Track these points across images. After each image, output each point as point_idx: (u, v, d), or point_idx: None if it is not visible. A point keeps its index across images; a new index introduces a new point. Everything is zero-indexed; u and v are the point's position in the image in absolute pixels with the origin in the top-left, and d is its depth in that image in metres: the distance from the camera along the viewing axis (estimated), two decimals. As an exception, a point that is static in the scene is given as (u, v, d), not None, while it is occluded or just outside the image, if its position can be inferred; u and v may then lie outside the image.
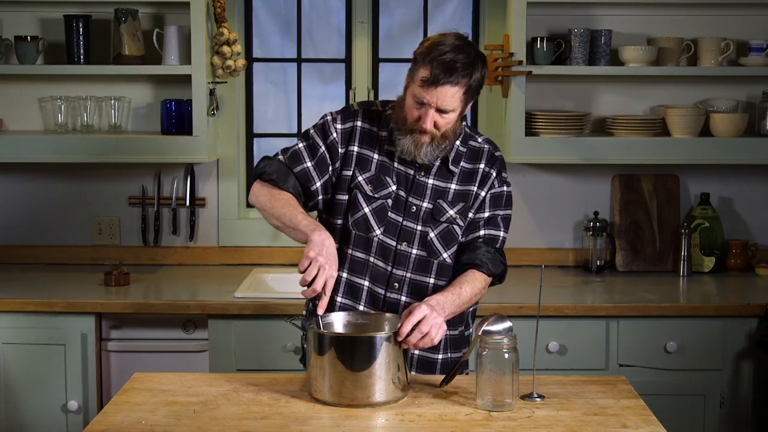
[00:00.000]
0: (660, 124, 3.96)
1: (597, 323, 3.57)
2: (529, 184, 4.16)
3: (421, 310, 2.39)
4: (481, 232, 2.66)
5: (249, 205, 4.12)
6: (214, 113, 3.96)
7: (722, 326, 3.57)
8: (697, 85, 4.08)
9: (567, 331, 3.56)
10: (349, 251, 2.63)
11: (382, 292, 2.64)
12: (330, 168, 2.64)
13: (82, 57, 3.89)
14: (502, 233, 2.69)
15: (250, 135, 4.23)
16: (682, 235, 4.00)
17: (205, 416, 2.28)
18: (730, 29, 4.02)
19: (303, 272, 2.39)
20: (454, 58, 2.45)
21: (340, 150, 2.64)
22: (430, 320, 2.39)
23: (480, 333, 2.35)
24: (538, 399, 2.41)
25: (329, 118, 2.68)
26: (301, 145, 2.66)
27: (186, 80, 3.86)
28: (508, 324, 2.36)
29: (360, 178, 2.63)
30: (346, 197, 2.64)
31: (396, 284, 2.64)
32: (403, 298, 2.64)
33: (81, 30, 3.87)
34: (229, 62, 3.91)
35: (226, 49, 3.89)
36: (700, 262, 4.07)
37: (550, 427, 2.23)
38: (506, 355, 2.33)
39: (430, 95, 2.47)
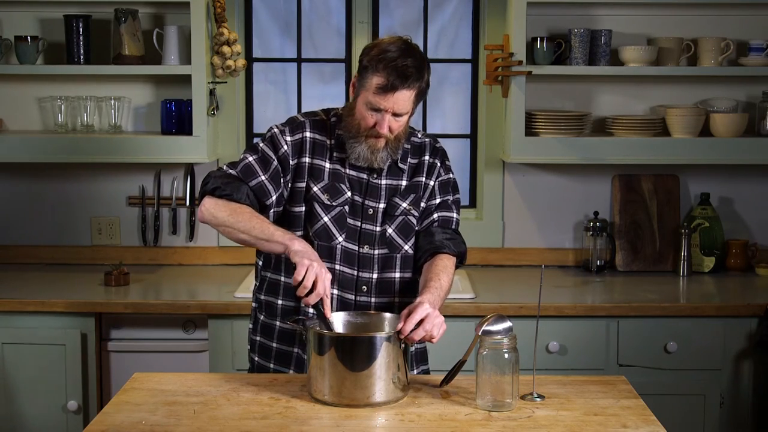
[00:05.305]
0: (660, 124, 3.96)
1: (597, 323, 3.57)
2: (529, 184, 4.16)
3: (424, 309, 2.39)
4: (435, 215, 2.71)
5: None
6: (214, 113, 3.96)
7: (722, 326, 3.57)
8: (697, 85, 4.08)
9: (567, 331, 3.56)
10: None
11: (352, 297, 2.65)
12: (282, 181, 2.63)
13: (82, 57, 3.89)
14: (455, 215, 2.75)
15: (250, 135, 4.23)
16: (682, 235, 4.00)
17: (205, 416, 2.28)
18: (730, 29, 4.02)
19: (301, 281, 2.37)
20: (405, 63, 2.49)
21: (291, 162, 2.63)
22: (433, 319, 2.40)
23: (480, 333, 2.35)
24: (538, 399, 2.41)
25: (277, 131, 2.66)
26: (251, 158, 2.62)
27: (186, 80, 3.86)
28: (508, 324, 2.36)
29: (315, 189, 2.63)
30: (302, 209, 2.64)
31: (364, 287, 2.66)
32: (373, 299, 2.66)
33: (81, 30, 3.87)
34: (229, 62, 3.91)
35: (226, 49, 3.89)
36: (700, 262, 4.07)
37: (550, 427, 2.23)
38: (506, 355, 2.33)
39: (387, 101, 2.51)
